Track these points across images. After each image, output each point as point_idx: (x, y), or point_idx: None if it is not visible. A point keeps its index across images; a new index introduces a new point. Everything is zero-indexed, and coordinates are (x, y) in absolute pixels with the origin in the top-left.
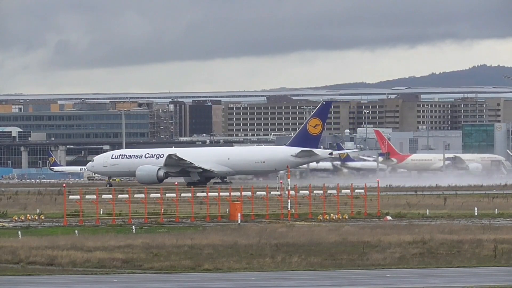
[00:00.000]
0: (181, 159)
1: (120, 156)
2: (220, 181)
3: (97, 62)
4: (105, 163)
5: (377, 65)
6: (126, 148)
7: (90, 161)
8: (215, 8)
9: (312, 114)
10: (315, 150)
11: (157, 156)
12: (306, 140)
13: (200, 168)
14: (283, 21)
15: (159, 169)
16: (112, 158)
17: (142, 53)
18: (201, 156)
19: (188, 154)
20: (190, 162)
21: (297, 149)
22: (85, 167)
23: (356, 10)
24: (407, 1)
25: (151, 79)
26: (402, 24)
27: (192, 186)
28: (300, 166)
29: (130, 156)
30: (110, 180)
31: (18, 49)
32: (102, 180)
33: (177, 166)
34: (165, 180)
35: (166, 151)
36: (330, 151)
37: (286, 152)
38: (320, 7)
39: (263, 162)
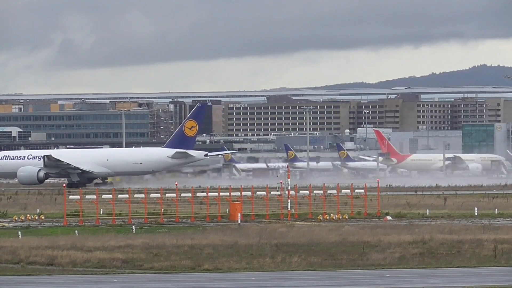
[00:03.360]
0: (58, 160)
1: (4, 157)
2: (101, 182)
3: (101, 62)
4: None
5: (381, 65)
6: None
7: None
8: (219, 8)
9: (188, 116)
10: (190, 152)
11: (39, 157)
12: (182, 141)
13: (79, 169)
14: (288, 21)
15: (39, 170)
16: None
17: (146, 53)
18: (81, 157)
19: (68, 155)
20: (68, 163)
21: (173, 151)
22: None
23: (361, 10)
24: (412, 1)
25: (155, 79)
26: (406, 24)
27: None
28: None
29: (13, 157)
30: None
31: (21, 49)
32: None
33: (56, 167)
34: (46, 181)
35: (48, 153)
36: (205, 152)
37: (162, 153)
38: (325, 7)
39: (141, 163)
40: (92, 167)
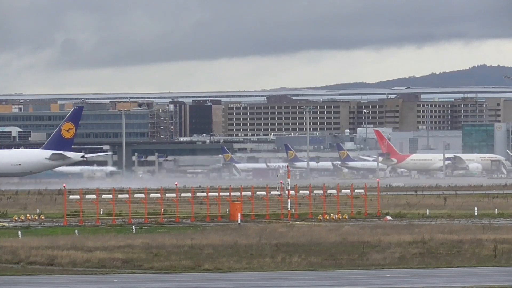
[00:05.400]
0: None
1: None
2: None
3: (103, 62)
4: None
5: (383, 65)
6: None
7: (90, 161)
8: (221, 8)
9: (65, 118)
10: (67, 153)
11: None
12: (60, 143)
13: None
14: (290, 21)
15: None
16: None
17: (148, 53)
18: None
19: None
20: None
21: (50, 152)
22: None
23: (364, 11)
24: (414, 1)
25: (157, 79)
26: (409, 24)
27: None
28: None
29: None
30: None
31: (24, 49)
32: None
33: None
34: None
35: None
36: (82, 154)
37: (40, 155)
38: (327, 7)
39: (19, 164)
40: None
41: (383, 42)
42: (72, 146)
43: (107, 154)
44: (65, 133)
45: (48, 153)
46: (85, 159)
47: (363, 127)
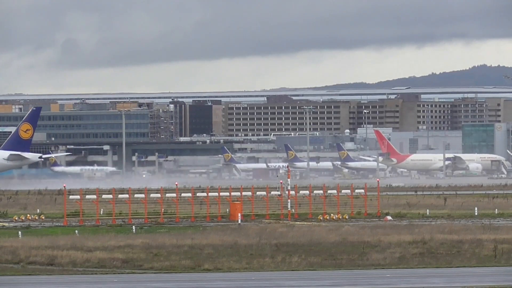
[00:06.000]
0: None
1: None
2: None
3: (104, 62)
4: None
5: (383, 65)
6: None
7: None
8: (222, 8)
9: (23, 119)
10: (25, 154)
11: None
12: (18, 144)
13: None
14: (291, 21)
15: None
16: None
17: (148, 53)
18: None
19: None
20: None
21: (8, 153)
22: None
23: (364, 11)
24: (415, 1)
25: (157, 79)
26: (409, 24)
27: None
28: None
29: None
30: None
31: (25, 49)
32: None
33: None
34: None
35: None
36: (40, 155)
37: None
38: (328, 7)
39: None
40: None
41: (384, 42)
42: (73, 146)
43: (66, 154)
44: (23, 134)
45: (6, 153)
46: (42, 159)
47: (363, 127)
